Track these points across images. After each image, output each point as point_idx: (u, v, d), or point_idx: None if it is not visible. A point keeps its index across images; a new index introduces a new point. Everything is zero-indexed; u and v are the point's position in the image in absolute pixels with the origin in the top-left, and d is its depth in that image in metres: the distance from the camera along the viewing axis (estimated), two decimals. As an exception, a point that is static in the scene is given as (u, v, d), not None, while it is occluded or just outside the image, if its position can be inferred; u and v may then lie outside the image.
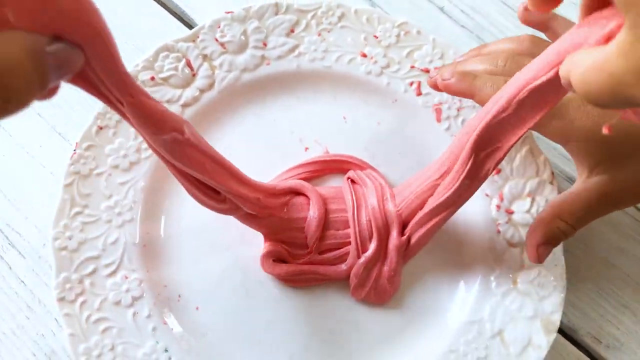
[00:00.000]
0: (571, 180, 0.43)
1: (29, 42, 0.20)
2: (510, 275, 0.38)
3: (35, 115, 0.44)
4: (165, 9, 0.47)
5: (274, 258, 0.38)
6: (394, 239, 0.37)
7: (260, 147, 0.41)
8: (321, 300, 0.39)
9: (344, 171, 0.41)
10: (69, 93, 0.44)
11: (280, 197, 0.38)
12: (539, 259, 0.35)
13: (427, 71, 0.42)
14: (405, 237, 0.37)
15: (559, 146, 0.44)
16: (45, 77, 0.21)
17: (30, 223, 0.41)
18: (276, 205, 0.37)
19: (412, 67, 0.42)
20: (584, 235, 0.42)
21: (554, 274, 0.38)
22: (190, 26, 0.47)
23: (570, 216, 0.34)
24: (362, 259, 0.37)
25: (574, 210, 0.34)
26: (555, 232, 0.34)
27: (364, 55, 0.42)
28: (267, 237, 0.38)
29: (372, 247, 0.37)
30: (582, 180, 0.34)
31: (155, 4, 0.47)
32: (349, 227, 0.38)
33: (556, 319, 0.37)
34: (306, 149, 0.42)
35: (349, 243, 0.38)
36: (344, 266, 0.38)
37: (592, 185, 0.33)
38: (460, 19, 0.48)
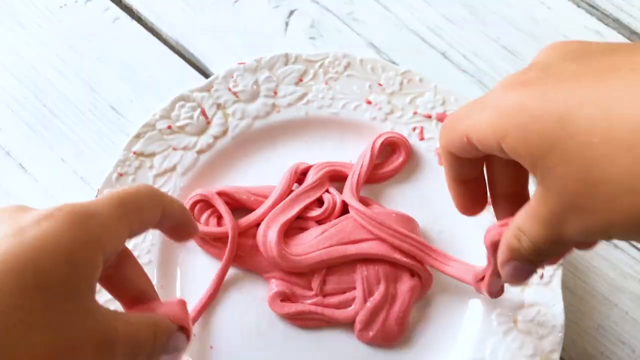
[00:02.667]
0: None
1: (171, 327, 0.28)
2: (510, 314, 0.39)
3: (59, 160, 0.46)
4: (182, 58, 0.50)
5: (282, 298, 0.40)
6: (406, 281, 0.39)
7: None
8: (329, 340, 0.40)
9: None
10: (91, 139, 0.47)
11: None
12: (508, 279, 0.28)
13: (429, 117, 0.44)
14: (416, 277, 0.39)
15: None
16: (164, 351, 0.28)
17: (53, 264, 0.44)
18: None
19: (415, 113, 0.44)
20: (584, 273, 0.43)
21: (553, 312, 0.39)
22: (205, 74, 0.49)
23: (528, 230, 0.25)
24: (369, 304, 0.39)
25: (528, 221, 0.25)
26: (518, 249, 0.25)
27: (369, 102, 0.44)
28: (275, 277, 0.40)
29: (380, 290, 0.39)
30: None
31: (173, 54, 0.50)
32: (354, 271, 0.40)
33: (555, 357, 0.38)
34: (315, 191, 0.44)
35: (354, 288, 0.40)
36: (351, 310, 0.40)
37: (536, 194, 0.24)
38: (462, 63, 0.50)
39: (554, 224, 0.23)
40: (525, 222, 0.24)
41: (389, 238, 0.39)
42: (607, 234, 0.22)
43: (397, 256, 0.39)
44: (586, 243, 0.26)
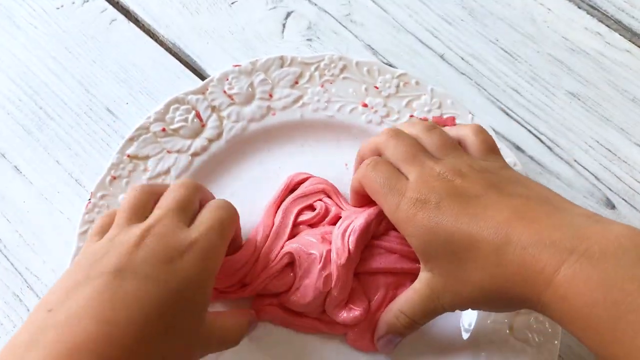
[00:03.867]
0: (569, 224, 0.45)
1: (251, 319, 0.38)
2: (506, 321, 0.39)
3: (54, 162, 0.46)
4: (179, 60, 0.50)
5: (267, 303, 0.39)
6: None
7: (265, 194, 0.43)
8: (323, 346, 0.40)
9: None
10: (86, 141, 0.47)
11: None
12: (381, 349, 0.38)
13: (426, 120, 0.44)
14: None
15: (556, 190, 0.45)
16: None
17: (47, 267, 0.44)
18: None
19: (411, 116, 0.44)
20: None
21: (549, 319, 0.39)
22: (201, 76, 0.49)
23: (409, 310, 0.35)
24: (358, 312, 0.38)
25: (410, 304, 0.35)
26: (395, 324, 0.36)
27: (365, 105, 0.44)
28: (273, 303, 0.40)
29: (377, 297, 0.39)
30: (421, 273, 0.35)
31: (169, 55, 0.50)
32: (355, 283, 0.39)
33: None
34: (310, 195, 0.43)
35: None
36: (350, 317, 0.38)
37: (422, 279, 0.34)
38: (460, 66, 0.50)
39: (434, 299, 0.34)
40: (406, 304, 0.35)
41: (398, 247, 0.39)
42: (468, 307, 0.34)
43: (405, 265, 0.39)
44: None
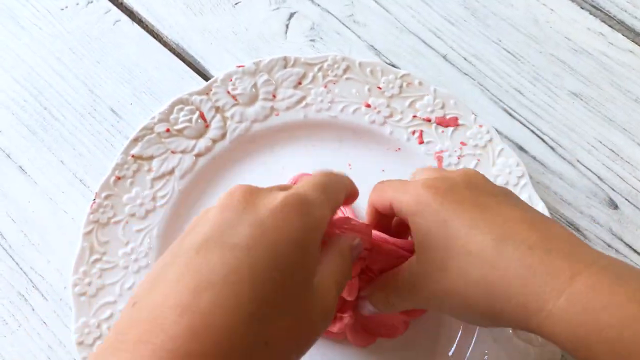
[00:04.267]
0: (572, 226, 0.45)
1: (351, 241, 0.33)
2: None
3: (59, 162, 0.46)
4: (183, 61, 0.50)
5: None
6: None
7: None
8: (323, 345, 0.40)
9: None
10: (90, 141, 0.47)
11: None
12: (360, 308, 0.37)
13: (429, 120, 0.44)
14: None
15: (559, 190, 0.45)
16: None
17: (52, 266, 0.44)
18: None
19: (414, 116, 0.44)
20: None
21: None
22: (205, 76, 0.49)
23: (394, 290, 0.34)
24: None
25: (395, 284, 0.34)
26: (380, 299, 0.35)
27: (368, 106, 0.44)
28: None
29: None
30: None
31: (173, 56, 0.50)
32: None
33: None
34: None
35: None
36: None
37: (409, 262, 0.33)
38: (463, 66, 0.50)
39: (410, 288, 0.32)
40: (386, 281, 0.34)
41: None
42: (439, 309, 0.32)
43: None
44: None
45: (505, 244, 0.28)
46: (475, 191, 0.32)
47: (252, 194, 0.28)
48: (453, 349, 0.40)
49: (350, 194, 0.35)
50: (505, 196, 0.32)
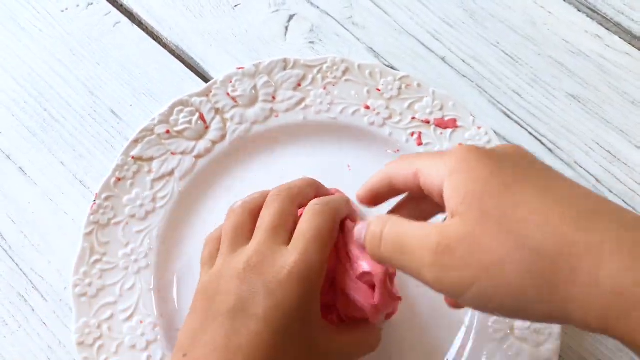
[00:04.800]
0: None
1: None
2: (507, 321, 0.39)
3: (59, 164, 0.47)
4: (182, 62, 0.50)
5: None
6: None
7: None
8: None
9: None
10: (91, 143, 0.47)
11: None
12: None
13: (428, 122, 0.44)
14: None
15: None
16: None
17: (52, 267, 0.44)
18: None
19: (413, 118, 0.44)
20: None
21: (551, 320, 0.39)
22: (204, 78, 0.49)
23: (393, 240, 0.29)
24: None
25: (400, 235, 0.28)
26: (369, 241, 0.30)
27: (367, 107, 0.44)
28: None
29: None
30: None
31: (173, 58, 0.50)
32: None
33: (552, 365, 0.38)
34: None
35: None
36: None
37: (436, 224, 0.27)
38: (462, 68, 0.50)
39: (430, 254, 0.27)
40: (397, 230, 0.29)
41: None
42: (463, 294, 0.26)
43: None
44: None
45: (587, 221, 0.24)
46: (533, 162, 0.28)
47: (259, 264, 0.33)
48: (452, 349, 0.40)
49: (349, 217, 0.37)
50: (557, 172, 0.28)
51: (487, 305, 0.25)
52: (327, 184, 0.44)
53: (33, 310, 0.43)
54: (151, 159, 0.43)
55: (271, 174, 0.44)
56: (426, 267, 0.26)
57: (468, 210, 0.26)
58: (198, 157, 0.43)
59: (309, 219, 0.34)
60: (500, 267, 0.24)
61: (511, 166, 0.27)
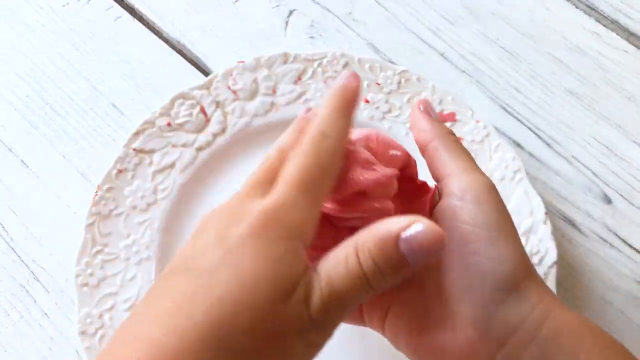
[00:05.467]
0: (568, 220, 0.45)
1: None
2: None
3: (61, 157, 0.47)
4: (183, 57, 0.50)
5: None
6: None
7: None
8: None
9: None
10: (92, 136, 0.47)
11: None
12: None
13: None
14: None
15: (555, 186, 0.46)
16: None
17: (54, 259, 0.44)
18: None
19: (413, 112, 0.44)
20: (579, 272, 0.43)
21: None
22: (205, 72, 0.50)
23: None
24: None
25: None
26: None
27: (367, 101, 0.45)
28: None
29: None
30: None
31: (174, 52, 0.51)
32: None
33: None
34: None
35: None
36: None
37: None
38: (461, 64, 0.50)
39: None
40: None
41: None
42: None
43: None
44: None
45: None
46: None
47: (234, 218, 0.26)
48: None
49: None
50: None
51: None
52: (327, 177, 0.44)
53: (35, 301, 0.43)
54: (152, 151, 0.43)
55: (271, 167, 0.44)
56: None
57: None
58: (199, 149, 0.44)
59: (295, 161, 0.27)
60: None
61: None
